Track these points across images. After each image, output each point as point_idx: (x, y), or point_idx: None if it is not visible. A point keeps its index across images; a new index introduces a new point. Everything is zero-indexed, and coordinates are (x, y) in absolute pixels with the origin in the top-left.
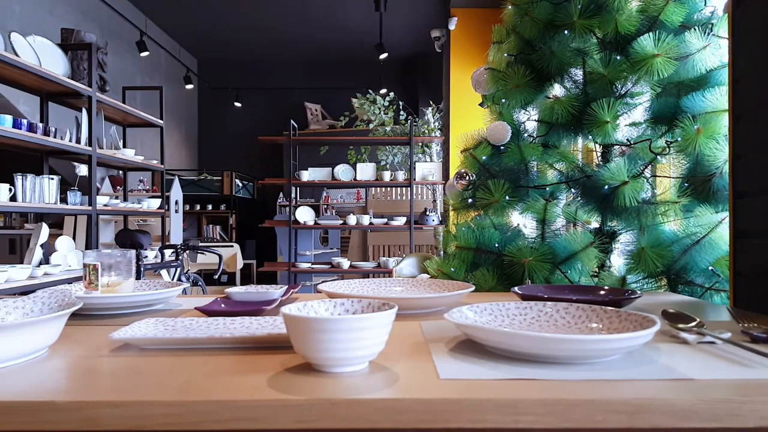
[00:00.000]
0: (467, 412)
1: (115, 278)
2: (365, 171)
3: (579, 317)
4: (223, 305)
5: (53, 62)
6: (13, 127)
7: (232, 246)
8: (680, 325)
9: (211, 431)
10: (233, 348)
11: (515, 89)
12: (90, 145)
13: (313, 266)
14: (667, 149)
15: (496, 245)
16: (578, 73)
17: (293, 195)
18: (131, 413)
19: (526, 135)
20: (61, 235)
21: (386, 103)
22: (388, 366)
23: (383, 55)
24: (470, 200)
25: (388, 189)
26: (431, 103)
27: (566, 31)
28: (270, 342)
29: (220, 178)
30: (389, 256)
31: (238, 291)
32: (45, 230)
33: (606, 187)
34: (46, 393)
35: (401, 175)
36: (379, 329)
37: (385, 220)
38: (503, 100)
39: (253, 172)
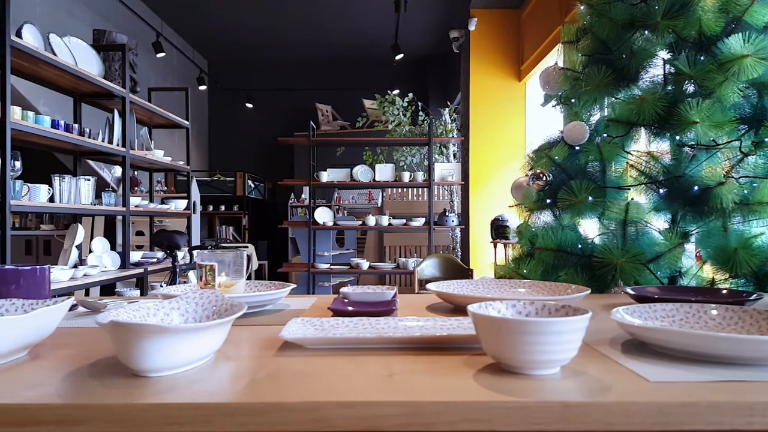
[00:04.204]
0: (704, 414)
1: (229, 278)
2: (384, 172)
3: (730, 318)
4: (350, 307)
5: (88, 63)
6: (52, 127)
7: (247, 247)
8: None
9: None
10: (397, 348)
11: (595, 89)
12: (123, 146)
13: (332, 267)
14: (754, 149)
15: (579, 246)
16: (657, 73)
17: (305, 196)
18: (363, 414)
19: (605, 135)
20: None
21: (405, 104)
22: (579, 369)
23: (399, 56)
24: (548, 201)
25: (404, 190)
26: (448, 103)
27: (646, 32)
28: (457, 342)
29: (232, 179)
30: (406, 257)
31: (354, 291)
32: (81, 232)
33: (696, 187)
34: (257, 394)
35: (420, 176)
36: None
37: (404, 221)
38: (572, 100)
39: (262, 173)
